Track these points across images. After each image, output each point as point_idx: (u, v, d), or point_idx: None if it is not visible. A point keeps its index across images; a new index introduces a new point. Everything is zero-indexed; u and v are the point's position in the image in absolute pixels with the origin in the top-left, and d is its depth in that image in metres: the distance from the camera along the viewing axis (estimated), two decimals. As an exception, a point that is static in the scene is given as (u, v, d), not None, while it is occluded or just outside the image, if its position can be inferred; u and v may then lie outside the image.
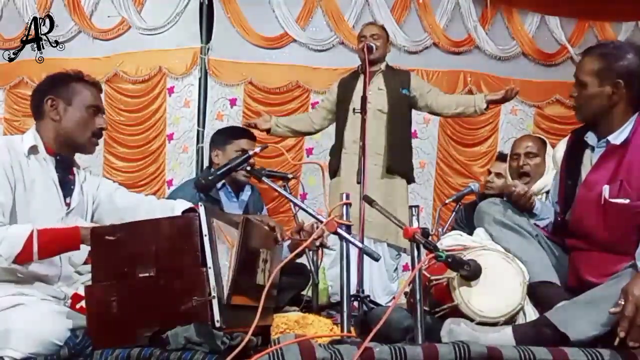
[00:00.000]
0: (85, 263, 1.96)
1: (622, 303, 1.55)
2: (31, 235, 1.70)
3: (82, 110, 1.97)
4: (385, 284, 3.67)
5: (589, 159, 2.00)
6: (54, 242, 1.75)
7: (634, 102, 1.92)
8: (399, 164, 3.60)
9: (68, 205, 1.94)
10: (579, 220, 1.98)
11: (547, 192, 2.86)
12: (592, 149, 2.00)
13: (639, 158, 1.87)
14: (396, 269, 3.82)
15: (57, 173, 1.93)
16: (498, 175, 3.58)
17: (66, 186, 1.96)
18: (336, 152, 3.69)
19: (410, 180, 3.73)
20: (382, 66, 3.67)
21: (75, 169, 2.03)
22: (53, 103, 1.95)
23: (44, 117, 1.96)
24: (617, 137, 1.92)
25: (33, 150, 1.90)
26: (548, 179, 2.83)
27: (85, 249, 1.80)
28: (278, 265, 1.96)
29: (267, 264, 1.82)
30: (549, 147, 3.04)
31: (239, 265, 1.58)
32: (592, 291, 1.68)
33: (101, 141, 5.80)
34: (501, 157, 3.69)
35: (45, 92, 1.97)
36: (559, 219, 2.07)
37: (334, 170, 3.68)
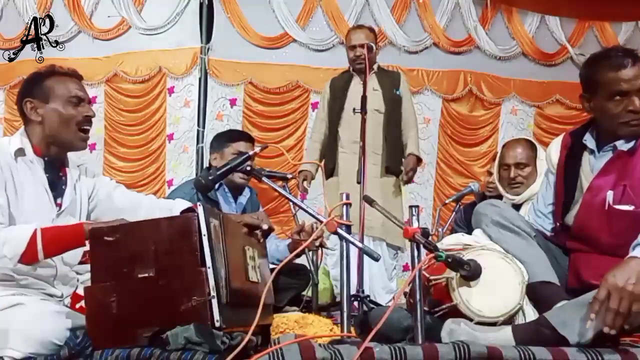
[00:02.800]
0: (81, 262, 1.95)
1: None
2: (34, 235, 1.69)
3: (61, 105, 1.92)
4: (385, 282, 3.69)
5: (588, 163, 1.99)
6: (58, 240, 1.73)
7: None
8: (397, 163, 3.65)
9: (59, 206, 1.91)
10: (582, 225, 1.97)
11: None
12: (591, 151, 1.99)
13: None
14: (394, 268, 3.84)
15: (47, 174, 1.91)
16: None
17: (57, 187, 1.93)
18: (331, 151, 3.70)
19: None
20: (375, 67, 3.73)
21: (67, 169, 2.00)
22: (32, 105, 1.92)
23: (29, 121, 1.94)
24: (624, 144, 1.91)
25: (20, 152, 1.86)
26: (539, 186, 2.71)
27: (79, 248, 1.80)
28: (267, 264, 1.96)
29: (255, 261, 1.81)
30: (539, 150, 2.93)
31: (228, 262, 1.58)
32: (590, 293, 1.67)
33: (101, 141, 5.81)
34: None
35: (23, 96, 1.94)
36: (558, 224, 2.07)
37: (330, 169, 3.69)
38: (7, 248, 1.68)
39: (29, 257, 1.69)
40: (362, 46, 3.56)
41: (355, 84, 3.68)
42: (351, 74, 3.76)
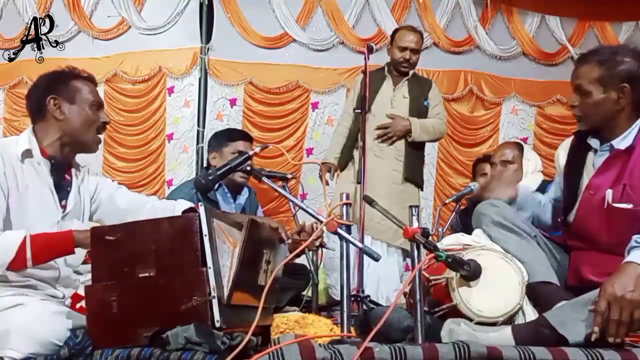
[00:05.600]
0: (84, 263, 1.95)
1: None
2: (24, 242, 1.68)
3: (86, 108, 1.95)
4: (397, 285, 3.68)
5: (591, 162, 2.01)
6: (47, 248, 1.73)
7: (638, 105, 1.92)
8: (415, 171, 3.65)
9: (64, 208, 1.91)
10: (581, 223, 1.98)
11: None
12: (595, 151, 2.00)
13: None
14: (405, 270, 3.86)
15: (52, 176, 1.91)
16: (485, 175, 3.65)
17: (62, 189, 1.93)
18: (350, 147, 3.68)
19: (421, 187, 3.79)
20: (410, 73, 3.72)
21: (73, 170, 2.00)
22: (56, 102, 1.92)
23: (46, 118, 1.92)
24: (620, 142, 1.93)
25: (27, 154, 1.86)
26: (526, 183, 2.96)
27: (81, 251, 1.79)
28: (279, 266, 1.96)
29: (270, 264, 1.82)
30: (527, 151, 3.19)
31: (241, 266, 1.58)
32: (590, 293, 1.68)
33: (101, 141, 5.77)
34: (485, 159, 3.75)
35: (46, 92, 1.93)
36: (559, 219, 2.08)
37: (345, 163, 3.68)
38: None
39: (17, 264, 1.69)
40: (413, 51, 3.59)
41: (386, 87, 3.67)
42: (384, 74, 3.72)
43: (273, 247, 1.87)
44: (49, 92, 1.93)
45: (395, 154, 3.57)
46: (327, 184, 3.71)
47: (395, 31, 3.78)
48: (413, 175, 3.65)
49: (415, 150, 3.67)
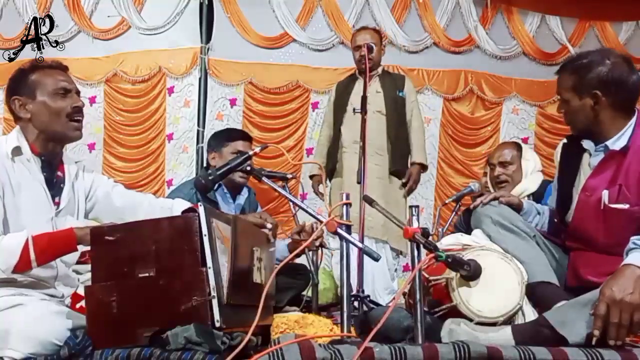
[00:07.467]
0: (78, 262, 1.95)
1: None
2: (27, 243, 1.68)
3: (48, 99, 1.91)
4: (388, 283, 3.69)
5: (587, 163, 2.02)
6: (50, 247, 1.73)
7: (619, 106, 1.93)
8: (400, 165, 3.66)
9: (57, 204, 1.91)
10: (579, 224, 1.99)
11: (528, 196, 2.95)
12: (590, 153, 2.01)
13: (638, 163, 1.87)
14: (396, 269, 3.85)
15: (44, 173, 1.90)
16: None
17: (55, 185, 1.93)
18: (333, 152, 3.72)
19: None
20: (379, 70, 3.76)
21: (65, 167, 1.99)
22: (20, 103, 1.91)
23: (20, 119, 1.93)
24: (615, 143, 1.94)
25: (16, 151, 1.86)
26: (527, 184, 2.98)
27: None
28: (273, 264, 1.97)
29: (262, 262, 1.82)
30: (525, 151, 3.12)
31: (235, 264, 1.58)
32: (590, 293, 1.68)
33: (100, 141, 5.79)
34: None
35: (9, 94, 1.93)
36: (556, 220, 2.09)
37: (332, 170, 3.72)
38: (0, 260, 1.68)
39: (22, 266, 1.69)
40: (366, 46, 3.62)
41: (359, 85, 3.71)
42: (356, 76, 3.80)
43: (261, 245, 1.87)
44: (11, 93, 1.93)
45: (374, 149, 3.57)
46: (322, 195, 3.79)
47: (352, 35, 3.89)
48: (399, 167, 3.69)
49: (400, 144, 3.70)
